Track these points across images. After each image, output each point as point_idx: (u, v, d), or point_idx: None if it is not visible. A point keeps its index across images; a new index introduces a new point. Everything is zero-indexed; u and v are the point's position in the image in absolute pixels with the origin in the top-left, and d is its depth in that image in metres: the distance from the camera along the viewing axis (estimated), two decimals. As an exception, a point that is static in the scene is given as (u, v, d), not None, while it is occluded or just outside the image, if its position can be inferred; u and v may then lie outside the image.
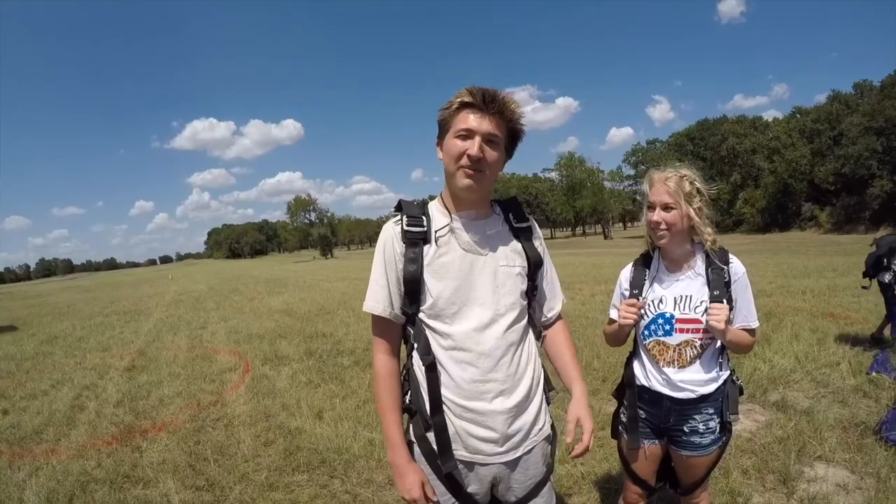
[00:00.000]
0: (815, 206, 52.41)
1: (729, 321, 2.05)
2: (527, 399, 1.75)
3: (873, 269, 6.11)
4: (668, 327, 2.18)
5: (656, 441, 2.34)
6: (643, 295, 2.25)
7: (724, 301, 2.07)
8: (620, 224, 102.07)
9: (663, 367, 2.21)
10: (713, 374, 2.18)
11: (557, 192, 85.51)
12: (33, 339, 11.90)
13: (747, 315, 2.16)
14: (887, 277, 5.90)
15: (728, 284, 2.12)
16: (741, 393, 2.27)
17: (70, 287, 46.77)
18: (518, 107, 1.67)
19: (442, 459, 1.68)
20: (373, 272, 1.73)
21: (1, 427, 5.67)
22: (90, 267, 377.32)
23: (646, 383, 2.28)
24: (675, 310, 2.17)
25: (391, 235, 1.71)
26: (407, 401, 1.75)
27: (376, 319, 1.73)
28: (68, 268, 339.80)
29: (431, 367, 1.67)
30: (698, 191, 2.11)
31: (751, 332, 2.17)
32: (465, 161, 1.61)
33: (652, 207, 2.14)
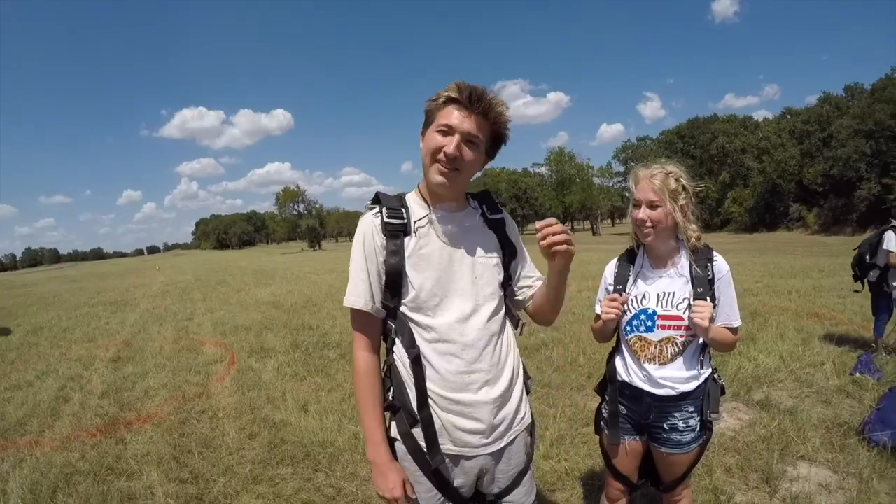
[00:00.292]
0: (802, 206, 52.73)
1: (712, 319, 2.06)
2: (509, 388, 1.76)
3: (860, 269, 6.17)
4: (650, 323, 2.19)
5: (637, 437, 2.35)
6: (627, 290, 2.26)
7: (708, 299, 2.08)
8: (609, 220, 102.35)
9: (644, 363, 2.22)
10: (694, 371, 2.18)
11: (547, 188, 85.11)
12: (18, 330, 11.78)
13: (730, 313, 2.16)
14: (874, 276, 5.97)
15: (711, 282, 2.13)
16: (723, 392, 2.27)
17: (56, 277, 46.38)
18: (505, 110, 1.66)
19: (430, 454, 1.68)
20: (352, 266, 1.70)
21: (-17, 417, 5.61)
22: (77, 256, 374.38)
23: (627, 379, 2.29)
24: (657, 306, 2.17)
25: (371, 227, 1.69)
26: (390, 397, 1.73)
27: (357, 314, 1.71)
28: (55, 257, 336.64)
29: (416, 361, 1.66)
30: (684, 188, 2.12)
31: (733, 330, 2.17)
32: (441, 157, 1.61)
33: (637, 205, 2.14)
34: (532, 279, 1.91)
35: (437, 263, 1.69)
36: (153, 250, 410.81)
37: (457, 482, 1.73)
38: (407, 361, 1.68)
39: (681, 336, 2.15)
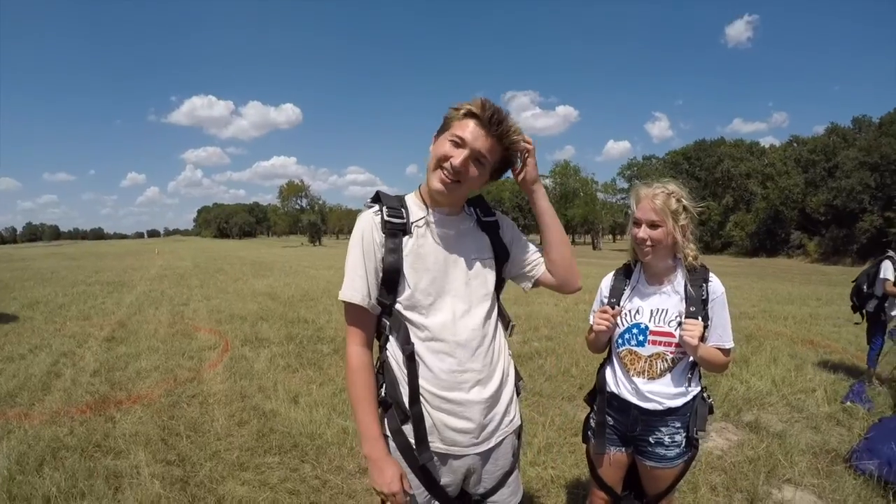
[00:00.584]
0: (804, 234, 52.74)
1: (702, 338, 2.07)
2: (500, 389, 1.78)
3: (858, 300, 6.21)
4: (641, 338, 2.20)
5: (623, 449, 2.36)
6: (621, 304, 2.28)
7: (700, 318, 2.09)
8: (610, 236, 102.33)
9: (633, 376, 2.23)
10: (682, 388, 2.19)
11: (550, 200, 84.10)
12: (14, 303, 11.78)
13: (722, 334, 2.17)
14: (872, 306, 6.00)
15: (705, 302, 2.14)
16: (711, 411, 2.28)
17: (55, 253, 46.38)
18: (520, 139, 1.70)
19: (419, 451, 1.69)
20: (349, 261, 1.71)
21: (-25, 387, 5.61)
22: (77, 235, 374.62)
23: (615, 390, 2.30)
24: (650, 322, 2.19)
25: (371, 225, 1.71)
26: (382, 394, 1.75)
27: (352, 309, 1.71)
28: (55, 234, 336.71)
29: (411, 358, 1.68)
30: (685, 208, 2.13)
31: (725, 351, 2.18)
32: (446, 166, 1.63)
33: (638, 223, 2.15)
34: (537, 253, 1.92)
35: (432, 264, 1.71)
36: (153, 234, 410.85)
37: (444, 481, 1.74)
38: (401, 358, 1.70)
39: (671, 353, 2.16)
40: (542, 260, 1.91)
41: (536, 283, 1.93)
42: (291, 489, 3.59)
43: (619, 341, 2.27)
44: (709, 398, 2.28)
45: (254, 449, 4.15)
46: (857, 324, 6.68)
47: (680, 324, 2.11)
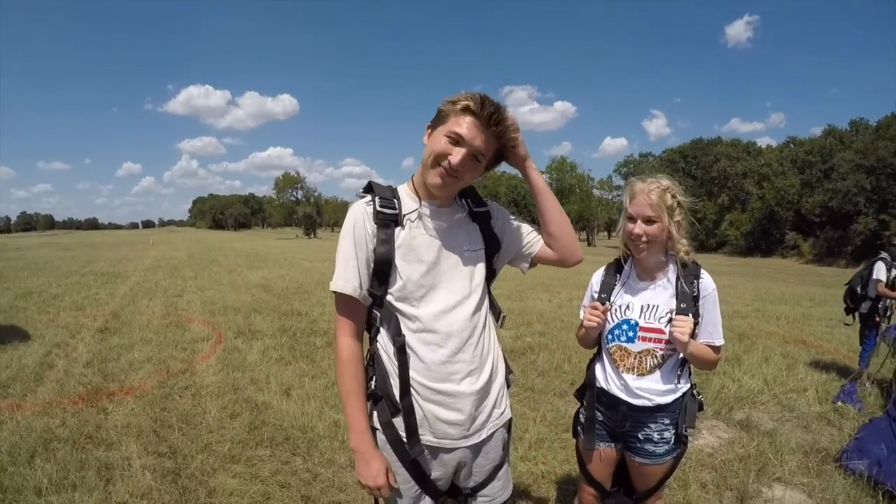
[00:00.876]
0: (799, 235, 53.03)
1: (693, 335, 2.07)
2: (490, 380, 1.78)
3: (852, 301, 6.25)
4: (631, 334, 2.20)
5: (612, 444, 2.37)
6: (611, 300, 2.27)
7: (690, 315, 2.09)
8: (605, 233, 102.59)
9: (623, 372, 2.23)
10: (671, 385, 2.20)
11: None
12: (7, 294, 11.72)
13: (712, 331, 2.16)
14: (866, 307, 6.03)
15: (696, 299, 2.14)
16: (701, 408, 2.28)
17: (49, 243, 46.13)
18: (517, 135, 1.70)
19: (409, 444, 1.69)
20: (341, 251, 1.70)
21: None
22: (71, 224, 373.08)
23: (605, 386, 2.31)
24: (640, 318, 2.19)
25: (363, 215, 1.70)
26: (372, 386, 1.74)
27: (343, 299, 1.70)
28: (49, 223, 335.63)
29: (401, 350, 1.67)
30: (679, 203, 2.12)
31: (715, 349, 2.17)
32: (445, 163, 1.62)
33: (633, 219, 2.14)
34: (533, 232, 1.92)
35: (424, 255, 1.71)
36: (148, 224, 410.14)
37: (434, 474, 1.75)
38: (391, 350, 1.69)
39: (661, 349, 2.16)
40: (538, 238, 1.90)
41: (535, 262, 1.92)
42: (282, 482, 3.58)
43: (609, 337, 2.27)
44: (698, 395, 2.28)
45: (245, 441, 4.14)
46: (848, 325, 6.73)
47: (670, 320, 2.11)
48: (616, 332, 2.24)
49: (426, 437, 1.70)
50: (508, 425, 1.92)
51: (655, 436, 2.22)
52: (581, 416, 2.46)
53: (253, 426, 4.42)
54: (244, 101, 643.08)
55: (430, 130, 1.71)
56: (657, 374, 2.18)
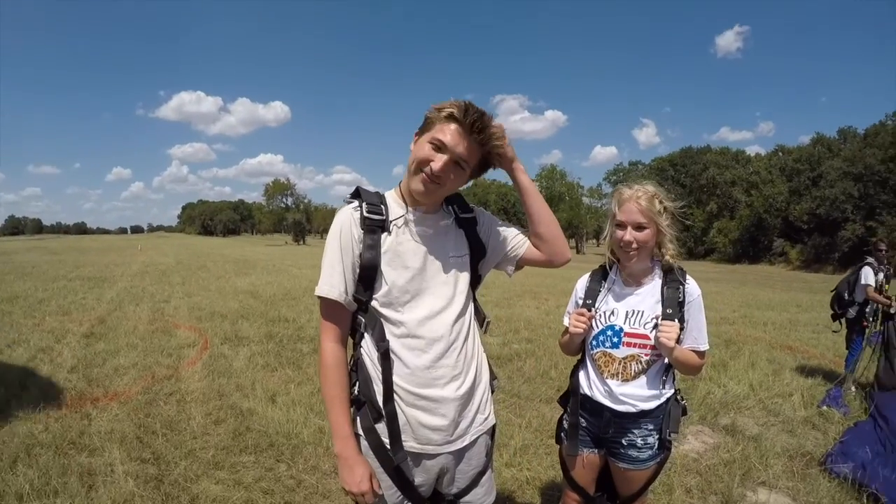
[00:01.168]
0: (786, 242, 53.33)
1: (678, 340, 2.07)
2: (474, 386, 1.78)
3: (839, 307, 6.30)
4: (615, 339, 2.19)
5: (595, 450, 2.36)
6: (596, 305, 2.27)
7: (676, 320, 2.08)
8: (594, 240, 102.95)
9: (607, 378, 2.22)
10: (656, 391, 2.19)
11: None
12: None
13: (697, 337, 2.16)
14: (853, 312, 6.09)
15: (682, 304, 2.13)
16: (684, 413, 2.28)
17: (37, 247, 45.80)
18: (502, 143, 1.68)
19: (392, 451, 1.68)
20: (327, 256, 1.70)
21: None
22: (59, 229, 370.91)
23: (588, 393, 2.30)
24: (625, 323, 2.18)
25: (349, 220, 1.69)
26: (355, 392, 1.74)
27: (329, 304, 1.70)
28: (37, 227, 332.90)
29: (385, 355, 1.67)
30: (665, 209, 2.12)
31: (700, 354, 2.17)
32: (427, 170, 1.62)
33: (622, 226, 2.13)
34: (519, 235, 1.91)
35: (410, 261, 1.70)
36: (137, 230, 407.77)
37: (417, 480, 1.74)
38: (375, 356, 1.68)
39: (646, 355, 2.16)
40: (524, 240, 1.90)
41: (521, 264, 1.92)
42: (266, 488, 3.56)
43: (594, 343, 2.26)
44: (682, 400, 2.28)
45: (229, 448, 4.12)
46: (835, 332, 6.77)
47: (656, 326, 2.11)
48: (601, 337, 2.23)
49: (409, 444, 1.70)
50: (492, 431, 1.91)
51: (639, 441, 2.21)
52: (564, 422, 2.44)
53: (237, 432, 4.39)
54: (236, 107, 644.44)
55: (416, 137, 1.71)
56: (642, 379, 2.18)
